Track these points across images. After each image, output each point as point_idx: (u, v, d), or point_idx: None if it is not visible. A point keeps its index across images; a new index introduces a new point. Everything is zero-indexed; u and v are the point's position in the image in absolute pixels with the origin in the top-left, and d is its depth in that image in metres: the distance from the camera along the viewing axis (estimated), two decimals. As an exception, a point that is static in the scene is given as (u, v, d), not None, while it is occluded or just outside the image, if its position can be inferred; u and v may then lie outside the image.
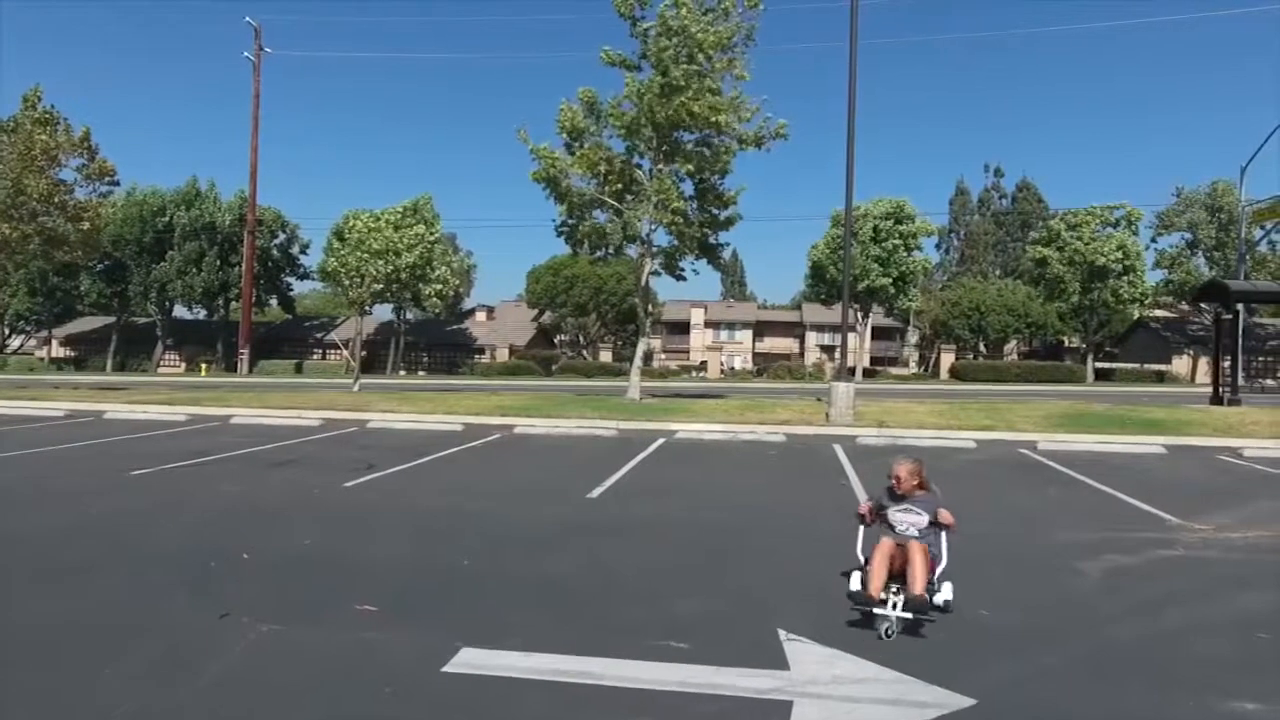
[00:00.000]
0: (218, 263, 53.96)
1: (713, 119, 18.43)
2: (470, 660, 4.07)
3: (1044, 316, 52.55)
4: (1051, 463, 12.06)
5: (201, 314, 60.60)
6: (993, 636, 4.58)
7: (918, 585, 4.58)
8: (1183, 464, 12.33)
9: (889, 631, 4.49)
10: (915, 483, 5.10)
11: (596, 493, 9.13)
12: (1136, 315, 53.99)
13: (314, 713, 3.55)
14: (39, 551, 6.32)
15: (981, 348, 57.71)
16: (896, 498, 5.11)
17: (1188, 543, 7.03)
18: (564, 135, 19.53)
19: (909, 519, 4.98)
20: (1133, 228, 50.71)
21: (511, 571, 5.85)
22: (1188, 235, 53.64)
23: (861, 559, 4.89)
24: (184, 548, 6.44)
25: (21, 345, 67.12)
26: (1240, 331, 23.31)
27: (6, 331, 63.98)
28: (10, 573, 5.70)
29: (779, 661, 4.13)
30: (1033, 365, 52.35)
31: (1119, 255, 48.64)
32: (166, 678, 3.88)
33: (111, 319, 58.42)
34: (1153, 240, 54.43)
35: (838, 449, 13.31)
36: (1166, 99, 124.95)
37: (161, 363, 57.12)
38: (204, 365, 54.18)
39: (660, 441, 14.11)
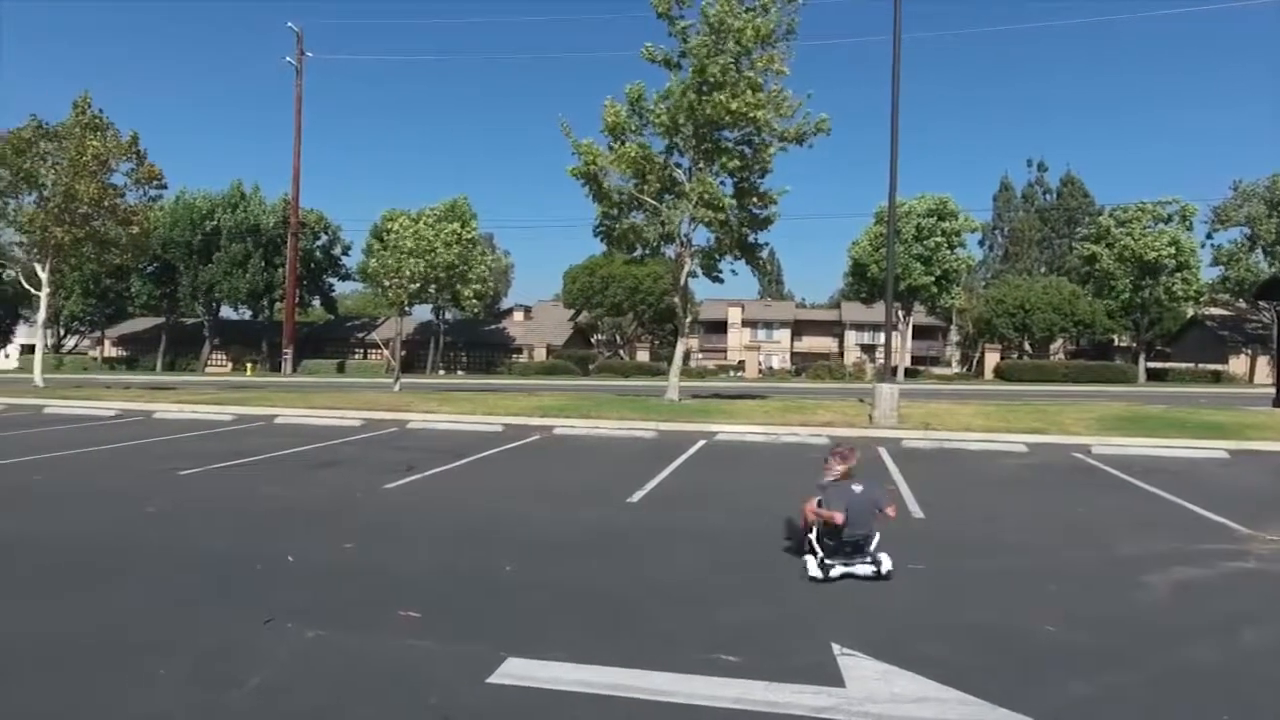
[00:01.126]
0: (262, 264, 55.07)
1: (752, 115, 18.19)
2: (516, 671, 3.98)
3: (1092, 314, 51.17)
4: (1107, 467, 11.65)
5: (247, 314, 61.94)
6: (1058, 655, 4.36)
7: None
8: (1247, 470, 11.83)
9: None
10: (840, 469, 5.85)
11: (638, 496, 9.02)
12: (1191, 313, 52.41)
13: (359, 724, 3.49)
14: (88, 552, 6.40)
15: (1026, 347, 56.42)
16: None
17: (1260, 555, 6.69)
18: (607, 133, 19.43)
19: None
20: (1187, 223, 49.19)
21: (555, 578, 5.76)
22: (1246, 230, 51.81)
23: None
24: (229, 550, 6.47)
25: (76, 345, 69.32)
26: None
27: (62, 332, 66.07)
28: (57, 573, 5.77)
29: (834, 678, 3.97)
30: (1081, 365, 51.02)
31: (1172, 251, 47.22)
32: (211, 683, 3.85)
33: (161, 319, 60.01)
34: (1209, 236, 52.76)
35: (883, 452, 13.02)
36: (1220, 91, 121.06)
37: (209, 362, 58.47)
38: (249, 365, 55.32)
39: (701, 443, 13.96)
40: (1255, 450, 13.53)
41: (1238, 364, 51.78)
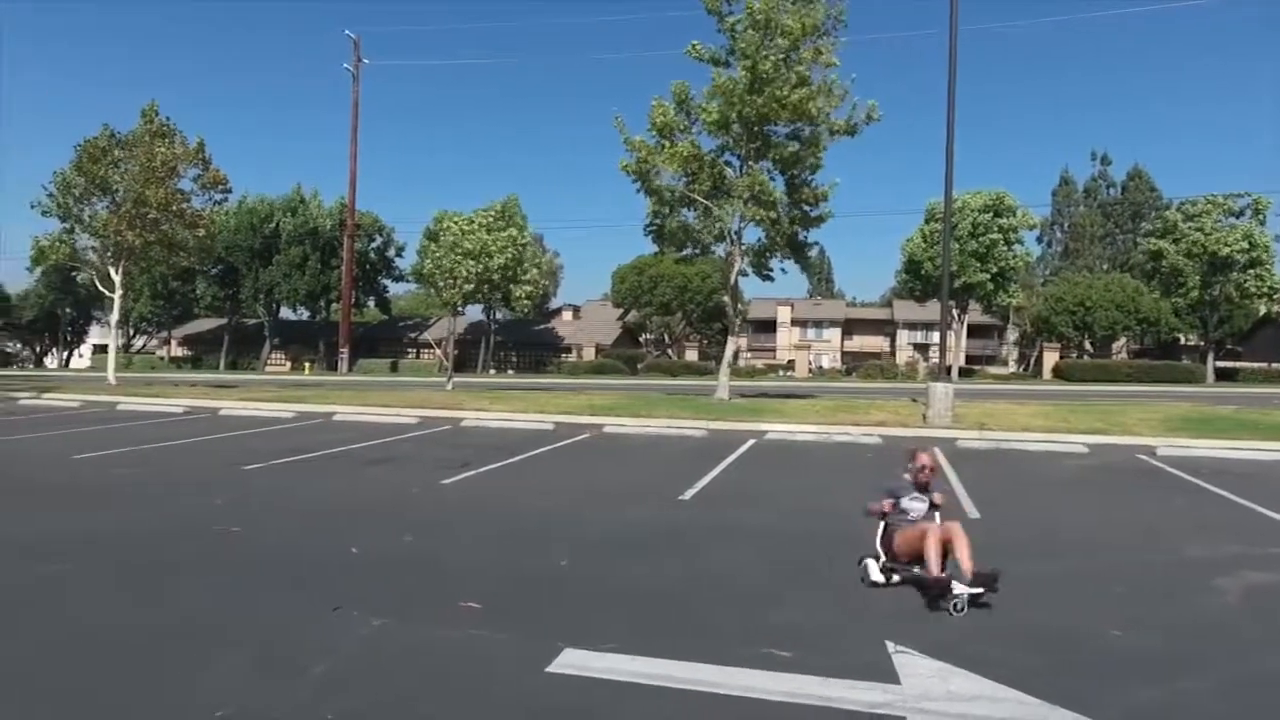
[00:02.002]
0: (319, 266, 56.56)
1: (806, 108, 18.04)
2: (573, 661, 4.07)
3: (1156, 312, 49.41)
4: (1173, 469, 11.29)
5: (305, 315, 63.70)
6: (1123, 659, 4.28)
7: (968, 560, 5.03)
8: (1324, 473, 11.33)
9: (958, 606, 4.83)
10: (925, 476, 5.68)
11: (689, 494, 9.06)
12: (1263, 311, 50.22)
13: (426, 708, 3.62)
14: (163, 544, 6.71)
15: (1087, 346, 54.75)
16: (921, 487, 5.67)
17: (1337, 560, 6.44)
18: (655, 133, 19.49)
19: (918, 506, 5.58)
20: (1260, 217, 47.16)
21: (608, 573, 5.85)
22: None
23: (880, 551, 5.53)
24: (295, 541, 6.72)
25: (144, 345, 72.18)
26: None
27: (131, 332, 68.82)
28: (134, 564, 6.06)
29: (888, 675, 3.97)
30: (1145, 365, 49.29)
31: (1244, 246, 45.35)
32: (279, 672, 4.02)
33: (224, 320, 62.12)
34: (1284, 230, 50.50)
35: (937, 452, 12.81)
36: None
37: (268, 362, 60.27)
38: (307, 364, 56.87)
39: (751, 442, 13.93)
40: (1333, 453, 12.94)
41: (1315, 364, 49.48)
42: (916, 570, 5.28)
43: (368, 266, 60.80)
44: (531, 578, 5.71)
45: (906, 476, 5.74)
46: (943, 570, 5.08)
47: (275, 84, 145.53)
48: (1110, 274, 57.80)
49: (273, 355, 61.01)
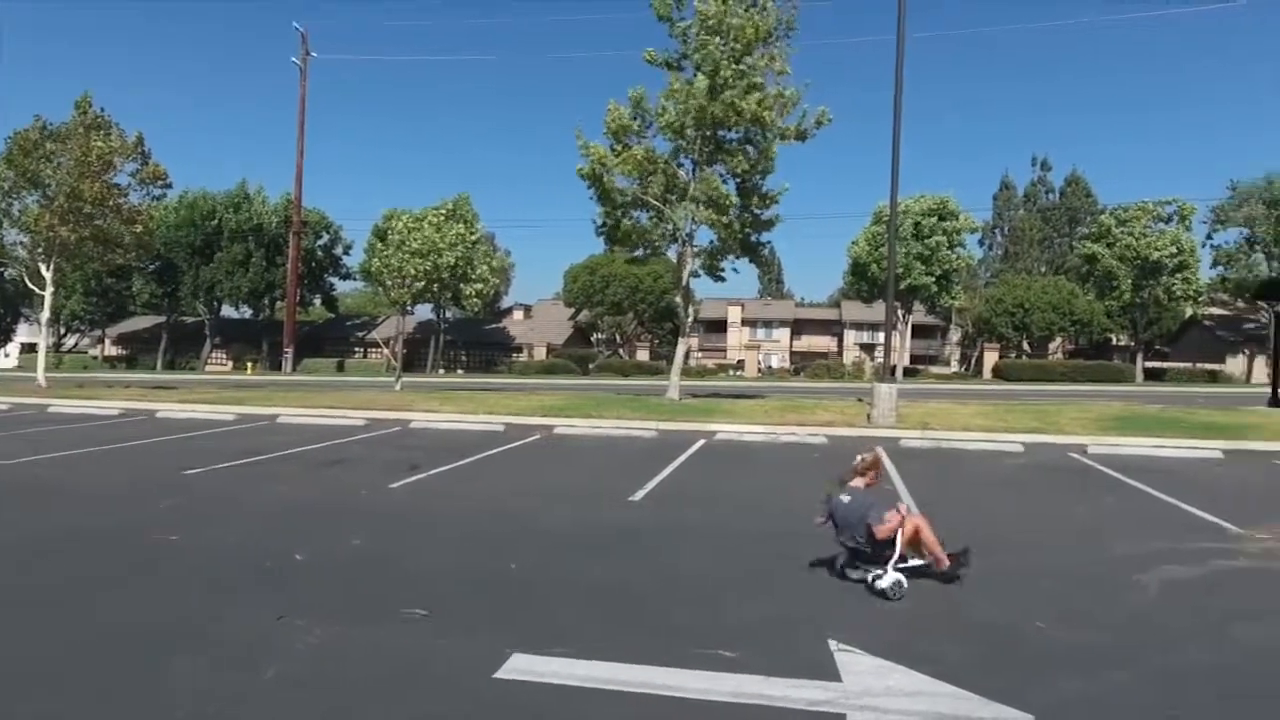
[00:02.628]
0: (264, 263, 55.20)
1: (760, 114, 18.29)
2: (521, 666, 4.10)
3: (1090, 314, 51.26)
4: (1103, 467, 11.76)
5: (248, 313, 62.07)
6: (1051, 652, 4.47)
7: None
8: (1241, 470, 11.93)
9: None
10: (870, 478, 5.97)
11: (639, 495, 9.13)
12: (1189, 313, 52.46)
13: (372, 718, 3.60)
14: (101, 552, 6.51)
15: (1025, 346, 56.50)
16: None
17: (1250, 553, 6.80)
18: (609, 137, 19.54)
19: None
20: (1186, 223, 49.28)
21: (557, 576, 5.87)
22: (1245, 231, 51.93)
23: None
24: (239, 548, 6.58)
25: (76, 344, 69.42)
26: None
27: (62, 330, 66.14)
28: (71, 573, 5.88)
29: (830, 672, 4.08)
30: (1079, 364, 51.09)
31: (1172, 251, 47.31)
32: (223, 682, 3.96)
33: (162, 318, 60.17)
34: (1208, 236, 52.86)
35: (880, 452, 13.11)
36: (1223, 90, 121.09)
37: (209, 361, 58.60)
38: (250, 364, 55.44)
39: (701, 443, 14.07)
40: (1250, 450, 13.63)
41: (1235, 364, 51.86)
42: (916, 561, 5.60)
43: (314, 264, 59.53)
44: (480, 581, 5.70)
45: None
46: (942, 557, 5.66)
47: (221, 77, 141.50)
48: (1048, 276, 59.72)
49: (213, 355, 59.33)
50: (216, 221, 54.76)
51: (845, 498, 5.74)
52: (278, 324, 55.97)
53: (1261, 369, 48.66)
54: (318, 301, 65.31)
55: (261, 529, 7.37)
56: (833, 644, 4.43)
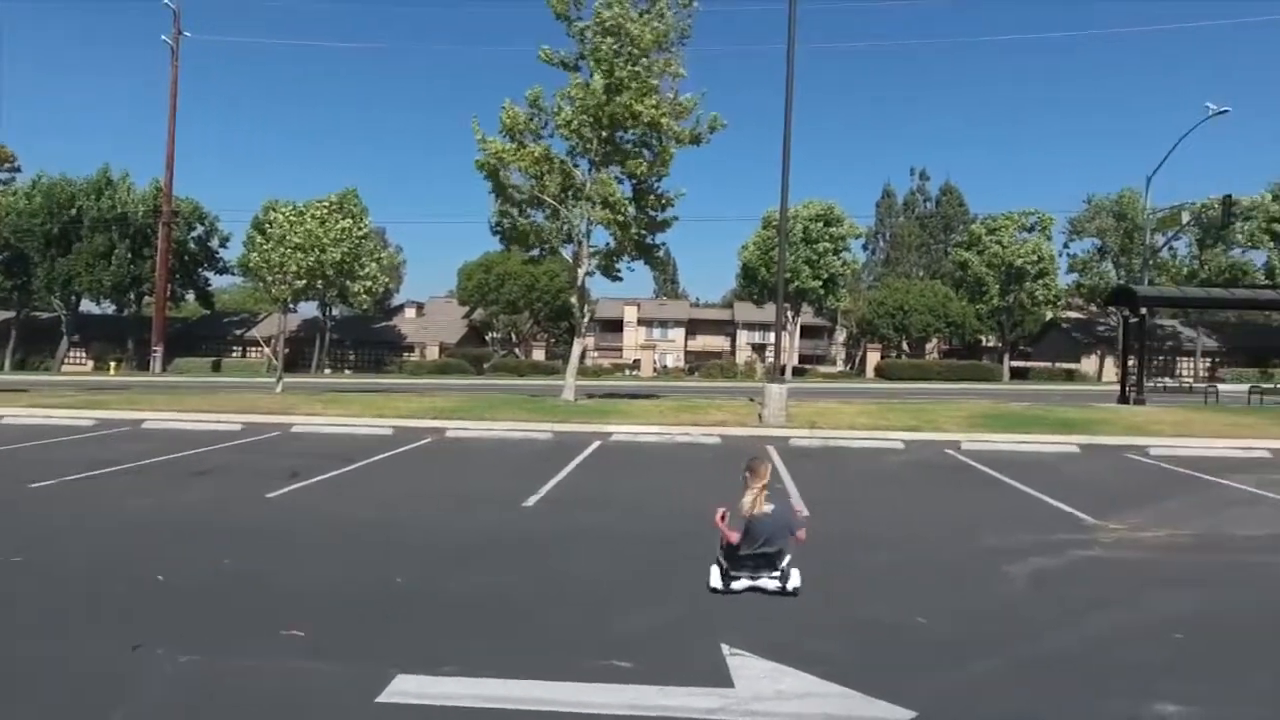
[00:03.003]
0: (129, 255, 51.38)
1: (656, 119, 18.41)
2: (406, 689, 3.91)
3: (963, 316, 54.45)
4: (975, 463, 12.46)
5: (111, 309, 57.63)
6: (930, 646, 4.66)
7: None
8: (1095, 463, 12.90)
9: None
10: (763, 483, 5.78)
11: (532, 500, 8.99)
12: (1049, 316, 56.48)
13: (238, 753, 3.35)
14: (-73, 576, 5.84)
15: (905, 346, 59.44)
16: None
17: (1104, 543, 7.33)
18: (505, 134, 19.22)
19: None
20: (1046, 233, 53.02)
21: (445, 588, 5.68)
22: (1097, 241, 56.35)
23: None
24: (92, 570, 6.05)
25: (-93, 341, 62.58)
26: (1144, 334, 24.56)
27: (-111, 326, 59.51)
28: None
29: (724, 678, 4.10)
30: (953, 364, 54.19)
31: (1034, 259, 50.78)
32: None
33: (11, 314, 54.99)
34: (1066, 245, 57.05)
35: (772, 450, 13.46)
36: (1082, 108, 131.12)
37: (66, 360, 54.11)
38: (113, 363, 51.57)
39: (596, 444, 14.03)
40: (1102, 444, 14.77)
41: (1089, 363, 56.28)
42: (763, 581, 5.50)
43: (186, 257, 55.85)
44: (363, 598, 5.44)
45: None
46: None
47: (82, 50, 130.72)
48: (925, 281, 63.03)
49: (71, 353, 54.81)
50: (76, 210, 50.57)
51: (769, 508, 5.62)
52: (146, 320, 52.21)
53: (1111, 368, 52.97)
54: (191, 297, 61.32)
55: (119, 547, 6.80)
56: (725, 649, 4.46)
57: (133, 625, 4.78)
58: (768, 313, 59.50)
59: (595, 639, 4.63)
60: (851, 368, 62.44)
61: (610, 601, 5.41)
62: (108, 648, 4.42)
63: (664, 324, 76.45)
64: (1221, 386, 27.65)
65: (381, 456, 12.37)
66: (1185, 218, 45.75)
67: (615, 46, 18.34)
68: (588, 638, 4.66)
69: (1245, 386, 28.19)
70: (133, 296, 55.26)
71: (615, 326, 74.33)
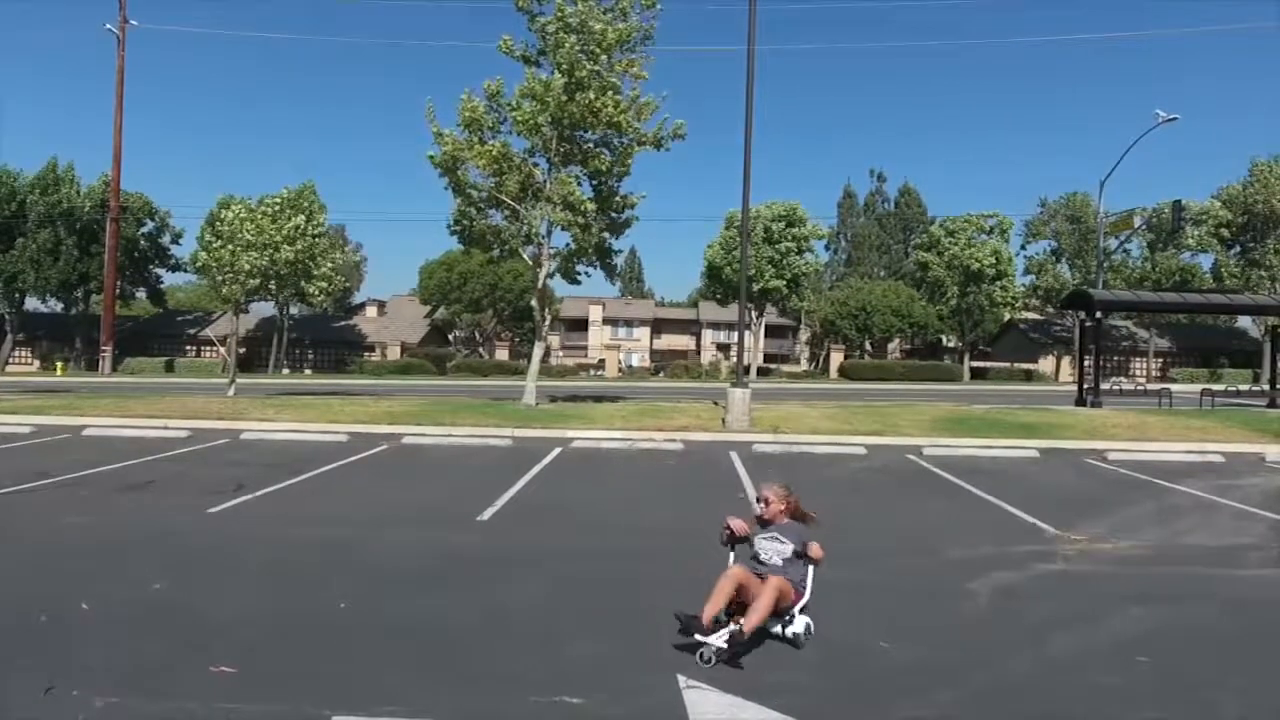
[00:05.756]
0: (76, 252, 49.84)
1: (617, 118, 18.17)
2: (341, 734, 3.66)
3: (925, 317, 55.13)
4: (936, 469, 12.46)
5: (58, 307, 55.80)
6: (891, 674, 4.52)
7: (754, 619, 4.49)
8: (1055, 468, 12.98)
9: (705, 657, 4.41)
10: (782, 508, 5.18)
11: (488, 514, 8.73)
12: (1007, 317, 57.48)
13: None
14: None
15: (867, 346, 60.01)
16: (763, 523, 5.17)
17: (1066, 555, 7.30)
18: (463, 128, 18.80)
19: (774, 547, 5.01)
20: (1004, 235, 53.90)
21: (392, 616, 5.40)
22: (1053, 244, 57.43)
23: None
24: (10, 598, 5.66)
25: None
26: (1099, 337, 24.97)
27: None
28: None
29: (679, 714, 3.91)
30: (915, 365, 54.84)
31: (993, 261, 51.57)
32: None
33: (-51, 312, 52.99)
34: (1022, 247, 58.07)
35: (734, 456, 13.34)
36: (1038, 113, 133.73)
37: (11, 360, 52.27)
38: (60, 364, 49.92)
39: (557, 451, 13.77)
40: (1061, 448, 14.90)
41: (1046, 363, 57.38)
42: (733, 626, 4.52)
43: (137, 254, 54.28)
44: (302, 626, 5.15)
45: (757, 509, 5.30)
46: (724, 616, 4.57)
47: (21, 35, 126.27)
48: (887, 281, 63.71)
49: (17, 353, 52.96)
50: (19, 204, 48.84)
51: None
52: (95, 319, 50.64)
53: (1068, 368, 54.06)
54: (142, 295, 59.67)
55: (40, 571, 6.39)
56: (681, 680, 4.27)
57: (48, 661, 4.44)
58: (733, 312, 59.61)
59: (548, 673, 4.41)
60: (815, 367, 62.88)
61: (564, 629, 5.18)
62: (17, 689, 4.08)
63: (629, 323, 76.27)
64: (1174, 387, 28.25)
65: (333, 466, 11.98)
66: (1137, 221, 46.77)
67: (579, 45, 18.05)
68: (540, 672, 4.43)
69: (1198, 388, 28.84)
70: (81, 294, 53.61)
71: (580, 326, 73.96)
